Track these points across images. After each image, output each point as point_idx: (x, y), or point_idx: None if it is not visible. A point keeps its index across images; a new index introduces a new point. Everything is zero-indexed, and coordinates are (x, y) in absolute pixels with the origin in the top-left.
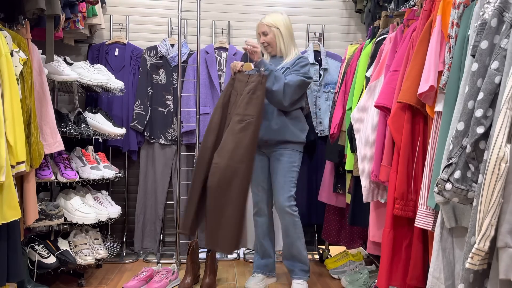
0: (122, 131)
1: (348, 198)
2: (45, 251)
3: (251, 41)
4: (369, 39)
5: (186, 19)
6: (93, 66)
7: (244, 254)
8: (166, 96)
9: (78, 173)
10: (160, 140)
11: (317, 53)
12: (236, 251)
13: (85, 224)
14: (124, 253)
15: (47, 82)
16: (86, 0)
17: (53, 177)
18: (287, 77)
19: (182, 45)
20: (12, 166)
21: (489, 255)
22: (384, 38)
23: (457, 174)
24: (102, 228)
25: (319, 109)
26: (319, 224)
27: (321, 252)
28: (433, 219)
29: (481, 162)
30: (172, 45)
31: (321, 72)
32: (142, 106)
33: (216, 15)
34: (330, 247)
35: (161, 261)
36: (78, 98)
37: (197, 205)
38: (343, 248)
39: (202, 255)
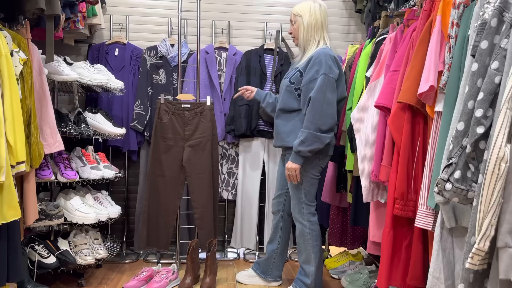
0: (122, 131)
1: (350, 198)
2: (45, 251)
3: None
4: (369, 39)
5: (186, 19)
6: (93, 66)
7: (244, 254)
8: (166, 96)
9: (78, 173)
10: None
11: None
12: (236, 251)
13: (85, 224)
14: (124, 253)
15: (47, 82)
16: (86, 0)
17: (53, 177)
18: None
19: (182, 45)
20: (12, 166)
21: (489, 255)
22: (384, 38)
23: (457, 174)
24: (102, 228)
25: None
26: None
27: None
28: (433, 219)
29: (481, 162)
30: (172, 45)
31: None
32: (142, 106)
33: (216, 15)
34: (330, 247)
35: (161, 261)
36: (78, 98)
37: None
38: (343, 248)
39: (202, 255)
